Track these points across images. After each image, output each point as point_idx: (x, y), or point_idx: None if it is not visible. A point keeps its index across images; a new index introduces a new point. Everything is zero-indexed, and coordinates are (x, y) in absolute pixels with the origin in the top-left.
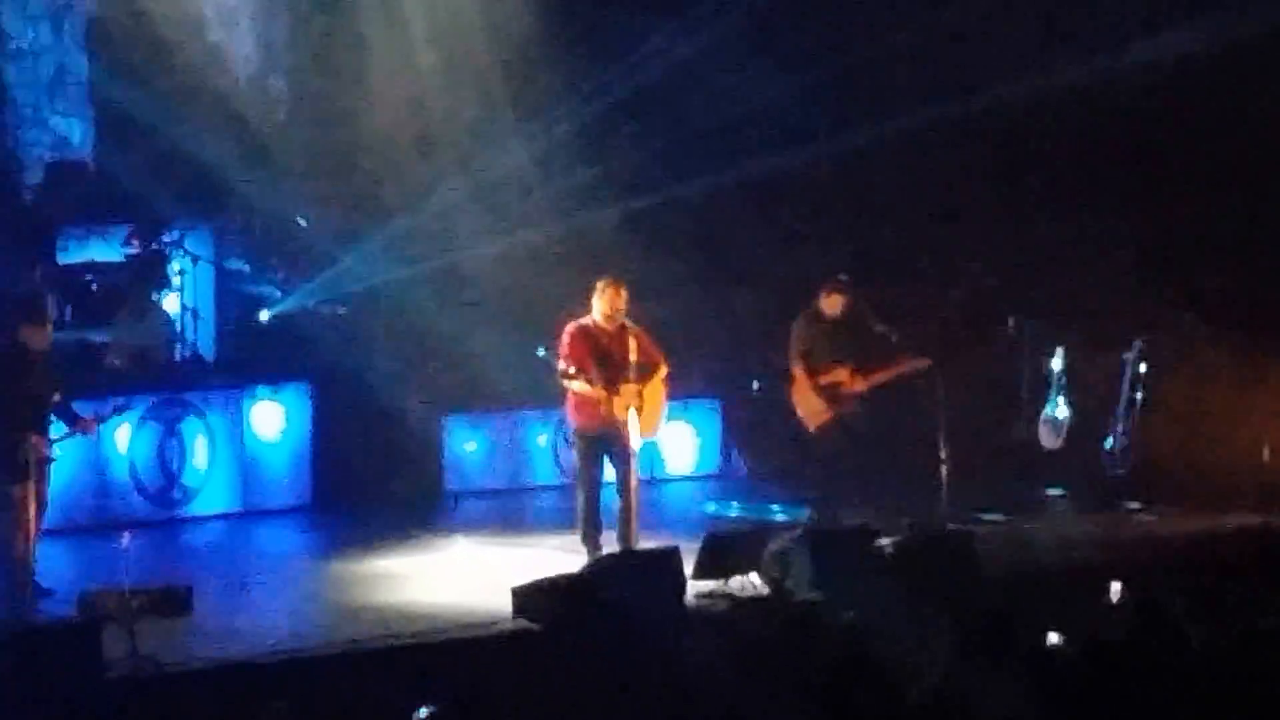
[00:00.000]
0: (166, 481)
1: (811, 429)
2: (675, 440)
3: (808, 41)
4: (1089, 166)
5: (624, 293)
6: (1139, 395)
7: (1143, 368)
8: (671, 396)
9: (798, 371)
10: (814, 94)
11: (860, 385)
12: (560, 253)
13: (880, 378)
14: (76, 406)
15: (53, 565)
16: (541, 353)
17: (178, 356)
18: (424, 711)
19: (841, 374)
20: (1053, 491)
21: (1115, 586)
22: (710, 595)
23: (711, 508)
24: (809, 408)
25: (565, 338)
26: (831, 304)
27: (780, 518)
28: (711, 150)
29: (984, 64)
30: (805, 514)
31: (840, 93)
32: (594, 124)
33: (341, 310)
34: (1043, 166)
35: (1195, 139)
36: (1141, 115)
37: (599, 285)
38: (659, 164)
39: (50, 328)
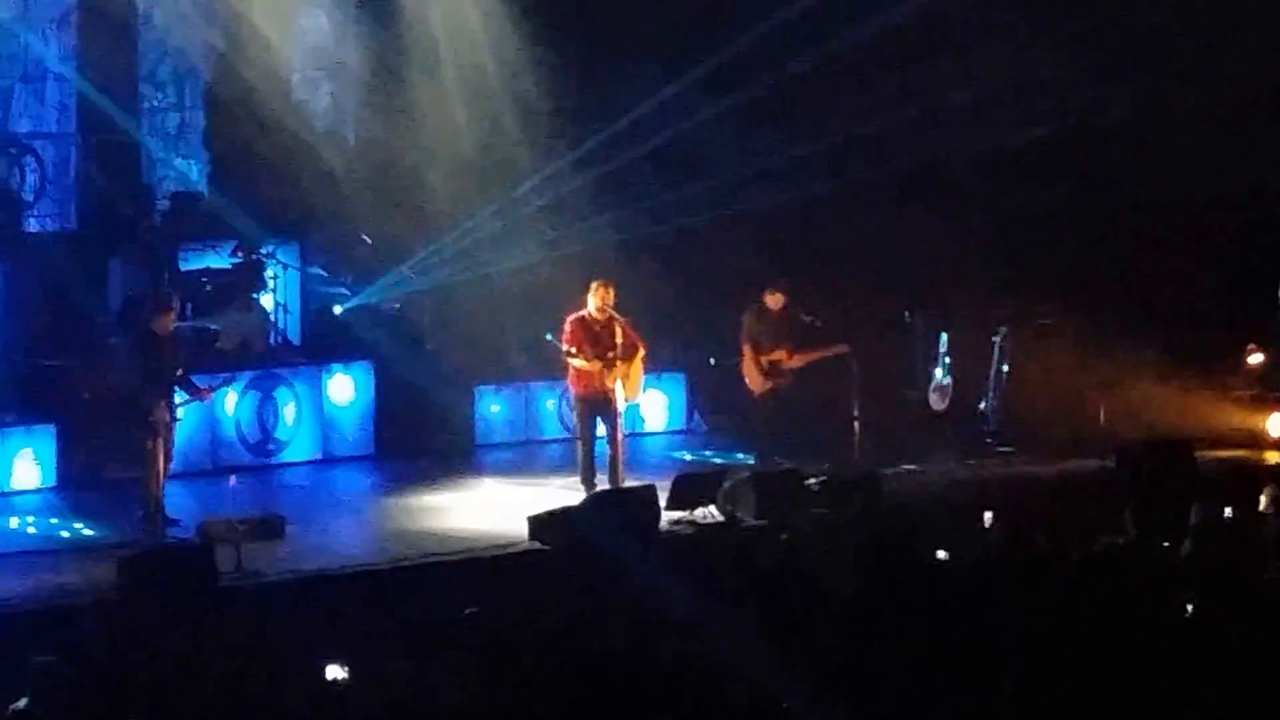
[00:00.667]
0: (264, 436)
1: (756, 395)
2: (652, 403)
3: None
4: (965, 189)
5: (612, 291)
6: (1004, 369)
7: (1006, 348)
8: (648, 370)
9: (746, 351)
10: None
11: (795, 362)
12: (566, 262)
13: (809, 357)
14: (195, 379)
15: (178, 500)
16: (549, 337)
17: (272, 341)
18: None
19: (780, 353)
20: None
21: (988, 515)
22: (679, 522)
23: (681, 455)
24: (755, 379)
25: (567, 325)
26: (774, 300)
27: (733, 462)
28: (680, 186)
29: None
30: (751, 460)
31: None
32: (601, 163)
33: (396, 306)
34: (926, 193)
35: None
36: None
37: (593, 285)
38: (647, 195)
39: (173, 318)
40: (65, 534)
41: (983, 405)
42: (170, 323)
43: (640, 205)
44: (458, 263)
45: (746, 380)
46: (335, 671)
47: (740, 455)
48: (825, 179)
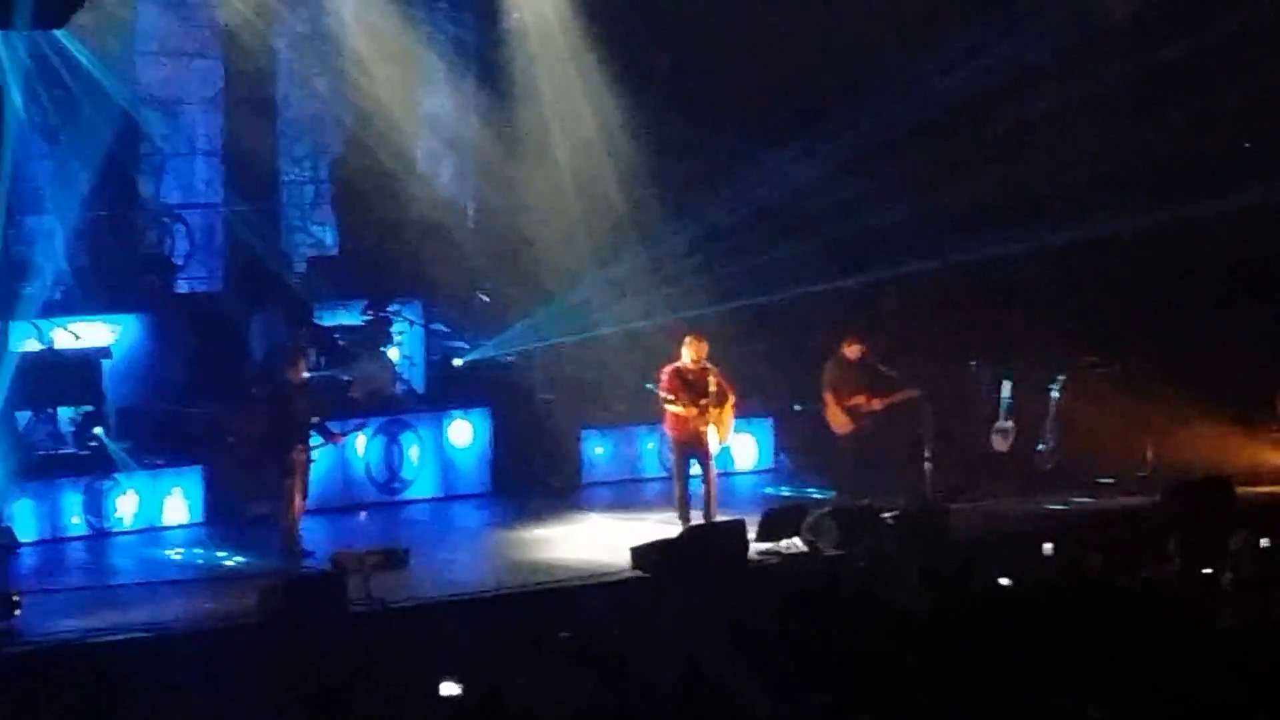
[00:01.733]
0: (390, 475)
1: (840, 436)
2: (741, 445)
3: None
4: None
5: (704, 345)
6: (1060, 414)
7: (1063, 394)
8: (738, 415)
9: (828, 397)
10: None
11: (875, 406)
12: (666, 318)
13: (887, 401)
14: (329, 424)
15: (312, 534)
16: (649, 386)
17: (398, 390)
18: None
19: (860, 399)
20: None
21: (1047, 546)
22: (766, 553)
23: (768, 491)
24: (837, 422)
25: (664, 375)
26: (852, 351)
27: (815, 497)
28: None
29: None
30: (832, 495)
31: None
32: (698, 233)
33: (510, 359)
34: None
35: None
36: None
37: (687, 339)
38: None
39: (305, 368)
40: (211, 565)
41: (1041, 447)
42: (302, 373)
43: (732, 270)
44: (567, 321)
45: (830, 423)
46: (450, 688)
47: (821, 492)
48: (900, 243)
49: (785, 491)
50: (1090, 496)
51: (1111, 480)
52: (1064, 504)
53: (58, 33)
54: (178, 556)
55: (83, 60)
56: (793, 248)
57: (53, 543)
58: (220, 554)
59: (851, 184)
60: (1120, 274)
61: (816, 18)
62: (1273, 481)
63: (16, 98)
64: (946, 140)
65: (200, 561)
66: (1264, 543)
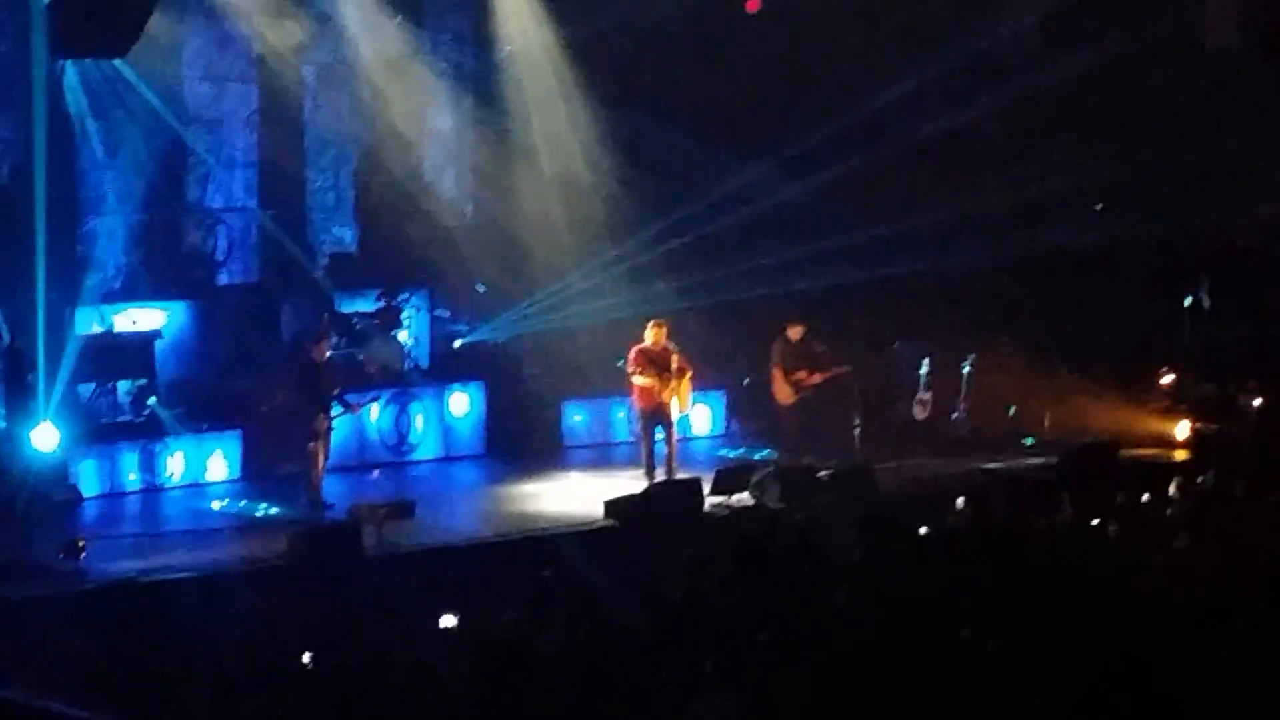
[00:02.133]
0: (399, 439)
1: (784, 406)
2: (698, 414)
3: None
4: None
5: (664, 330)
6: (971, 386)
7: (974, 371)
8: (696, 388)
9: (775, 371)
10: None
11: (814, 380)
12: (633, 309)
13: (824, 375)
14: (347, 396)
15: (333, 490)
16: (620, 363)
17: (406, 367)
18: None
19: (801, 374)
20: None
21: (959, 500)
22: (719, 506)
23: (721, 453)
24: (782, 393)
25: (632, 354)
26: (795, 332)
27: (761, 458)
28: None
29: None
30: (775, 456)
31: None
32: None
33: (502, 341)
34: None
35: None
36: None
37: (650, 324)
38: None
39: (328, 348)
40: (247, 515)
41: (954, 415)
42: (325, 352)
43: (692, 269)
44: (551, 310)
45: (776, 395)
46: (448, 620)
47: (766, 453)
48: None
49: (735, 453)
50: (996, 459)
51: (1014, 444)
52: (973, 465)
53: (116, 61)
54: (224, 506)
55: (137, 84)
56: (745, 251)
57: (112, 496)
58: (254, 506)
59: (796, 194)
60: (1027, 266)
61: (776, 42)
62: (1153, 445)
63: (84, 117)
64: (876, 154)
65: (237, 512)
66: (1145, 497)
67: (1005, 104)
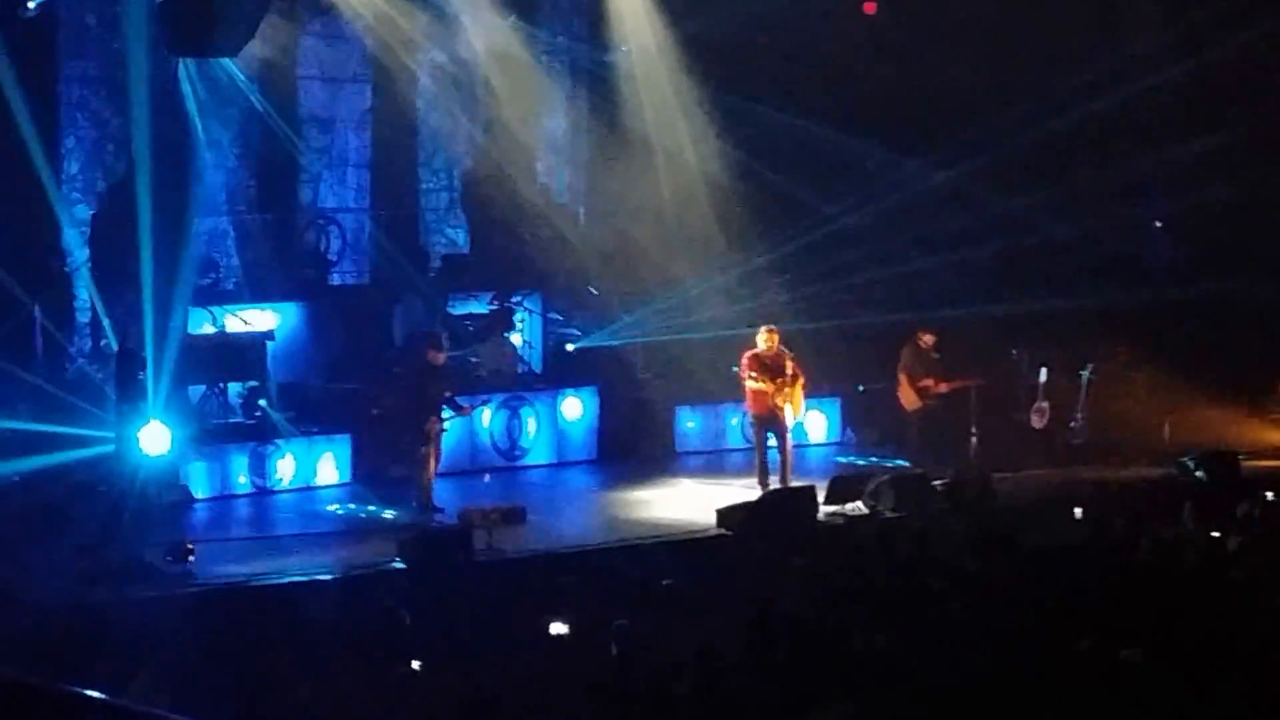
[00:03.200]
0: (511, 444)
1: (909, 412)
2: (813, 421)
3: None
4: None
5: (776, 335)
6: (1090, 395)
7: (1093, 379)
8: (809, 395)
9: (902, 377)
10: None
11: (940, 389)
12: (748, 313)
13: (950, 386)
14: (459, 399)
15: (443, 493)
16: (735, 369)
17: (519, 370)
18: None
19: (929, 381)
20: None
21: (1077, 510)
22: (833, 514)
23: (836, 460)
24: (908, 399)
25: (745, 359)
26: (927, 339)
27: (877, 466)
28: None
29: None
30: (894, 464)
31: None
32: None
33: (615, 344)
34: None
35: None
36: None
37: (761, 329)
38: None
39: (444, 352)
40: (357, 519)
41: (1073, 424)
42: (441, 356)
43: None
44: (665, 316)
45: (901, 400)
46: (558, 627)
47: (881, 461)
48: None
49: (851, 461)
50: (1114, 468)
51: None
52: (1092, 474)
53: (227, 61)
54: (338, 510)
55: (249, 84)
56: (864, 265)
57: (222, 499)
58: (365, 510)
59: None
60: (1146, 277)
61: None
62: (1273, 456)
63: (197, 116)
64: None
65: (347, 516)
66: (1269, 495)
67: (1129, 108)
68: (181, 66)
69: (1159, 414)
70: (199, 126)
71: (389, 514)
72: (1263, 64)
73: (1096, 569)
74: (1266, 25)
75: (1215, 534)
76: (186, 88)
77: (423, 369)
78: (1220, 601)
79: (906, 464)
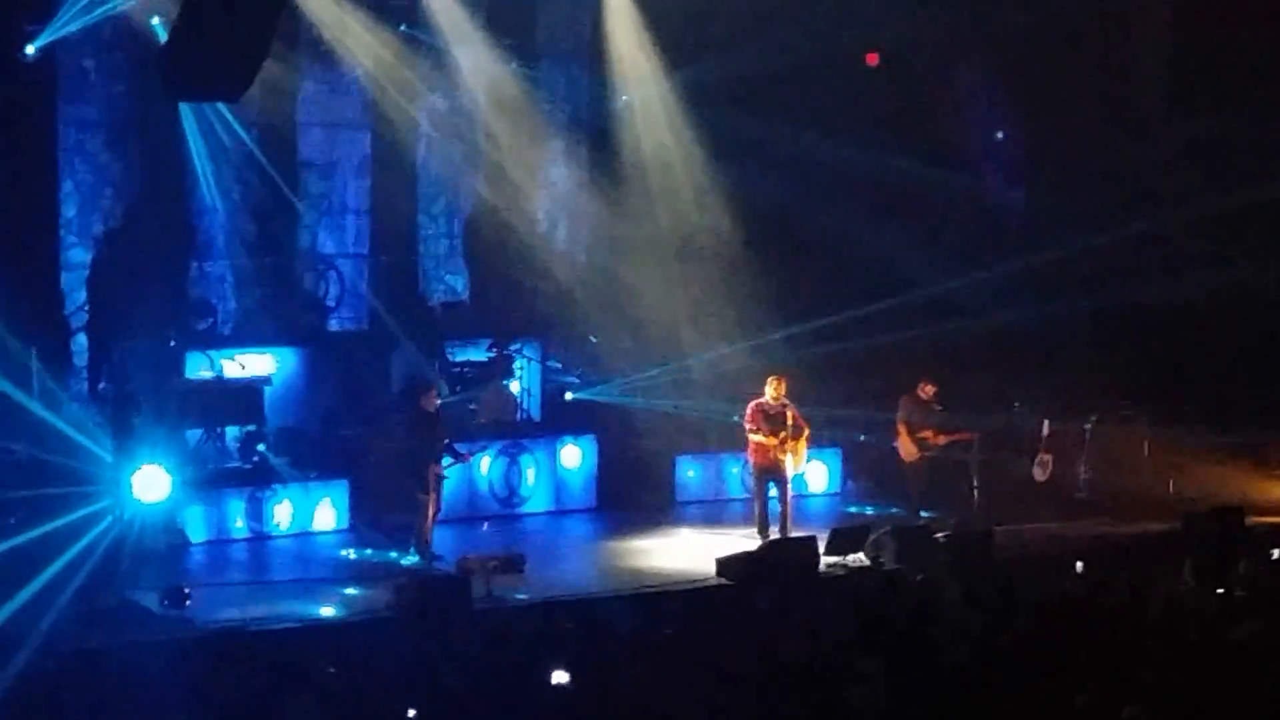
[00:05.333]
0: (510, 491)
1: (909, 463)
2: (814, 472)
3: None
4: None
5: (784, 384)
6: (1091, 450)
7: (1095, 433)
8: (812, 446)
9: (902, 428)
10: None
11: (940, 441)
12: (750, 362)
13: (950, 439)
14: (458, 446)
15: (443, 541)
16: (736, 419)
17: (518, 418)
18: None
19: (928, 433)
20: None
21: (1079, 564)
22: (834, 565)
23: (837, 511)
24: (907, 451)
25: (749, 410)
26: (926, 391)
27: (877, 517)
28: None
29: None
30: (899, 513)
31: None
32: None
33: (616, 394)
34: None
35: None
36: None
37: (770, 379)
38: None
39: (436, 398)
40: (354, 566)
41: (1076, 478)
42: (435, 401)
43: (808, 326)
44: (664, 367)
45: (900, 451)
46: (559, 677)
47: (882, 512)
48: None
49: (852, 511)
50: (1117, 523)
51: (1136, 508)
52: (1094, 529)
53: (226, 106)
54: (351, 554)
55: (248, 129)
56: (863, 307)
57: (219, 543)
58: (362, 556)
59: (918, 255)
60: (1148, 334)
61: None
62: (1277, 513)
63: (197, 161)
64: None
65: (345, 562)
66: (1276, 554)
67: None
68: (184, 111)
69: (1163, 468)
70: (200, 170)
71: (387, 561)
72: None
73: (1097, 623)
74: None
75: (1219, 590)
76: (188, 132)
77: (420, 415)
78: (1222, 659)
79: (907, 515)
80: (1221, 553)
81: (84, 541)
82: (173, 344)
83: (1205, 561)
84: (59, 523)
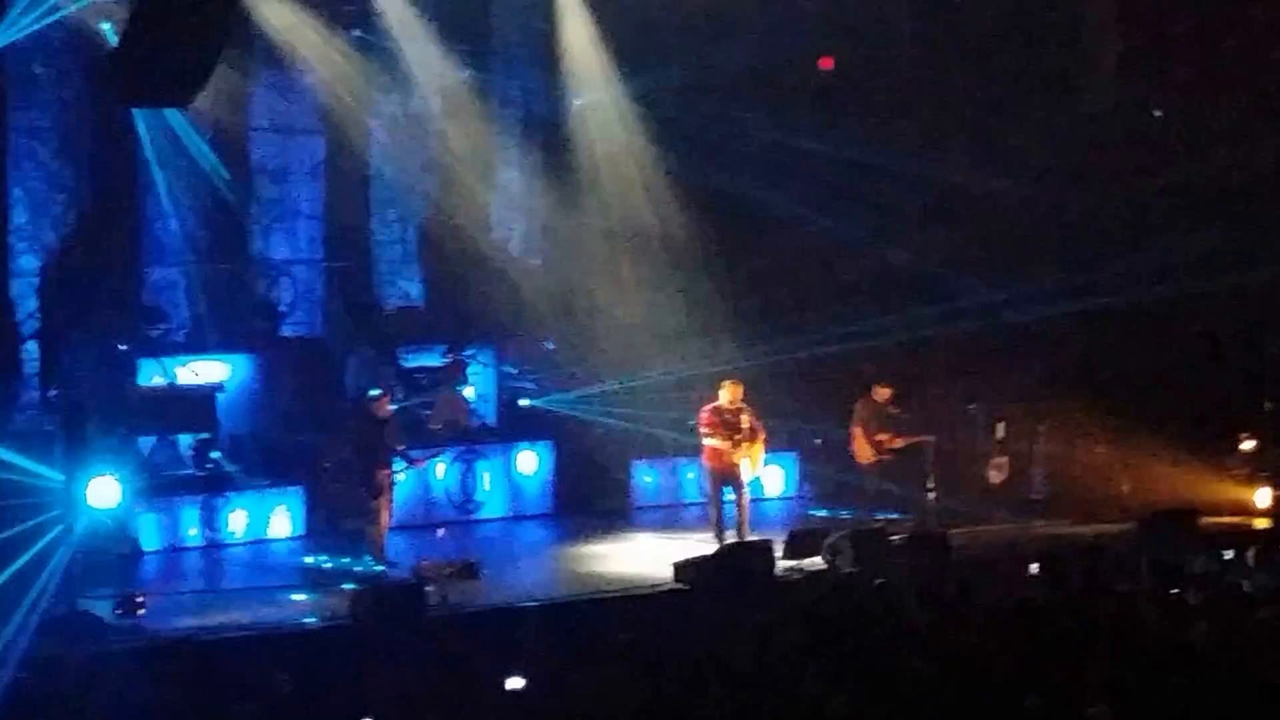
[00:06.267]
0: (465, 497)
1: (864, 466)
2: (770, 475)
3: None
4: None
5: (739, 388)
6: (1046, 452)
7: (1050, 435)
8: (768, 449)
9: (857, 430)
10: None
11: (897, 444)
12: (700, 371)
13: (906, 441)
14: (412, 452)
15: (397, 547)
16: (691, 424)
17: (473, 424)
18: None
19: (884, 436)
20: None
21: (1033, 566)
22: (791, 569)
23: (794, 515)
24: (862, 454)
25: (704, 414)
26: (882, 394)
27: (834, 520)
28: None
29: None
30: (854, 516)
31: None
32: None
33: (571, 397)
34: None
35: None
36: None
37: (724, 383)
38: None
39: (389, 404)
40: (309, 573)
41: (1030, 480)
42: (388, 408)
43: (761, 326)
44: (620, 370)
45: (855, 454)
46: (515, 683)
47: (839, 515)
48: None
49: (808, 514)
50: (1072, 524)
51: (1091, 509)
52: (1049, 530)
53: (177, 112)
54: (311, 561)
55: (200, 135)
56: (817, 308)
57: (172, 551)
58: (316, 563)
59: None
60: (1104, 333)
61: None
62: (1232, 513)
63: (149, 166)
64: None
65: (299, 569)
66: (1230, 554)
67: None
68: (135, 116)
69: (1118, 470)
70: (151, 176)
71: (342, 568)
72: None
73: (1053, 625)
74: None
75: (1174, 591)
76: (139, 137)
77: (373, 421)
78: (1178, 660)
79: (864, 519)
80: (1177, 553)
81: (34, 550)
82: (123, 348)
83: (1161, 562)
84: (9, 533)
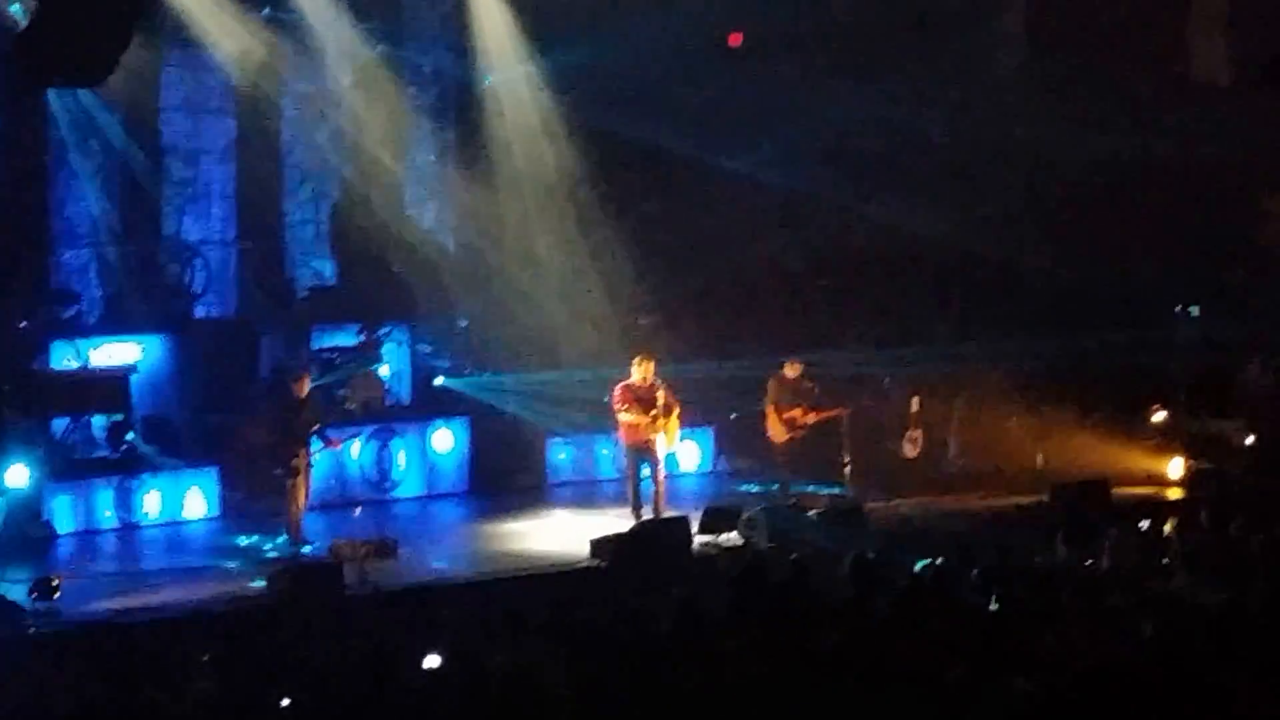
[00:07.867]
0: (381, 476)
1: (778, 444)
2: (686, 451)
3: None
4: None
5: (651, 365)
6: (961, 423)
7: (964, 408)
8: (683, 425)
9: (769, 409)
10: None
11: (810, 419)
12: (621, 342)
13: (820, 416)
14: (328, 432)
15: (314, 527)
16: (605, 399)
17: (388, 402)
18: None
19: (796, 412)
20: None
21: (949, 539)
22: (707, 545)
23: (709, 491)
24: (775, 431)
25: (618, 390)
26: (791, 370)
27: (750, 495)
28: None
29: None
30: (770, 492)
31: None
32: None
33: (482, 375)
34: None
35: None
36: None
37: (637, 359)
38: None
39: (307, 384)
40: (225, 553)
41: (945, 453)
42: (305, 388)
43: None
44: (534, 346)
45: (769, 431)
46: (432, 661)
47: (756, 490)
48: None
49: (724, 491)
50: (986, 496)
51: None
52: (964, 503)
53: (88, 91)
54: (196, 546)
55: (112, 115)
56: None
57: (87, 534)
58: (232, 544)
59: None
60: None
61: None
62: (1145, 484)
63: (59, 147)
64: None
65: (215, 550)
66: (1144, 525)
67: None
68: (45, 97)
69: (1032, 442)
70: (62, 157)
71: (258, 548)
72: None
73: (968, 597)
74: None
75: (1088, 561)
76: (51, 118)
77: (288, 401)
78: (1092, 629)
79: (780, 494)
80: (1090, 524)
81: None
82: (23, 325)
83: (1074, 533)
84: None
